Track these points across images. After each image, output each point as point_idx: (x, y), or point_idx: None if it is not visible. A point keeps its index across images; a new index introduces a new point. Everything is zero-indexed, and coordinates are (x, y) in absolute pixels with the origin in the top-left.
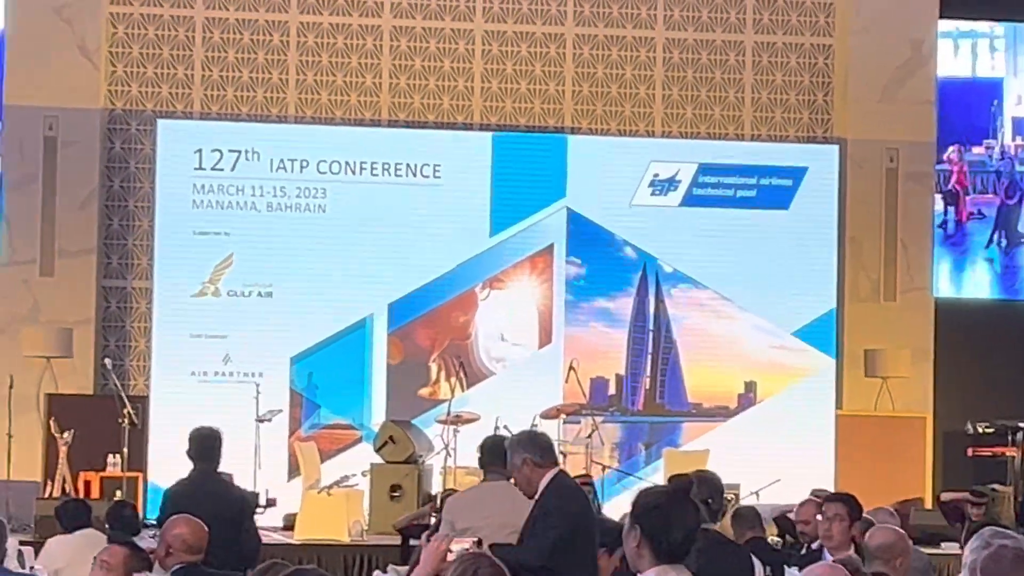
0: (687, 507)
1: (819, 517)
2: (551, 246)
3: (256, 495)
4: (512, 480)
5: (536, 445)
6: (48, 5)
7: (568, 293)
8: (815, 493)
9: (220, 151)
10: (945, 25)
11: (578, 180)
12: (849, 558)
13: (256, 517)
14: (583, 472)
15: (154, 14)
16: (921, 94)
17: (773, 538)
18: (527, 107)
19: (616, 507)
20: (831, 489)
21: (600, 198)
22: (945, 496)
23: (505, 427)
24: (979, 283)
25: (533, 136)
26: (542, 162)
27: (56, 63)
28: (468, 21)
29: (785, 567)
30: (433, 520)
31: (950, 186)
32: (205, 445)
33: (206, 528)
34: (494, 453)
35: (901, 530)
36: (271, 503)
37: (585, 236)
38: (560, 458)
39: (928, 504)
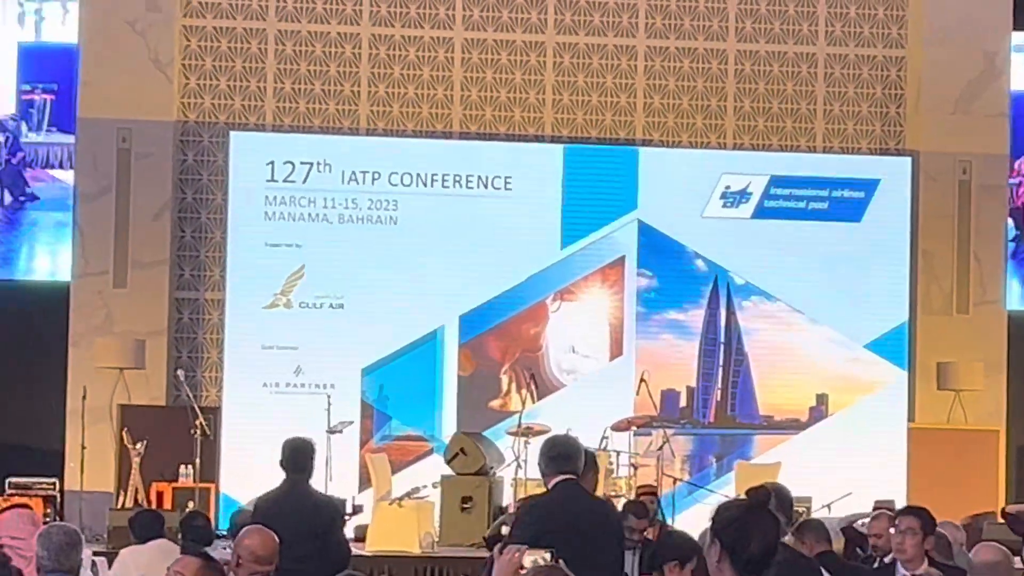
0: (766, 520)
1: (892, 531)
2: (622, 258)
3: (343, 502)
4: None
5: (542, 453)
6: (122, 18)
7: (639, 305)
8: (878, 504)
9: (292, 163)
10: (1019, 37)
11: (649, 192)
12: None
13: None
14: (648, 483)
15: (227, 26)
16: (994, 106)
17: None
18: (598, 119)
19: (687, 520)
20: (899, 502)
21: (671, 210)
22: (1010, 509)
23: None
24: None
25: (604, 148)
26: (613, 174)
27: (130, 76)
28: (539, 33)
29: None
30: (505, 530)
31: (1021, 202)
32: (298, 456)
33: (277, 539)
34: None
35: (1005, 548)
36: (357, 510)
37: (656, 248)
38: (629, 470)
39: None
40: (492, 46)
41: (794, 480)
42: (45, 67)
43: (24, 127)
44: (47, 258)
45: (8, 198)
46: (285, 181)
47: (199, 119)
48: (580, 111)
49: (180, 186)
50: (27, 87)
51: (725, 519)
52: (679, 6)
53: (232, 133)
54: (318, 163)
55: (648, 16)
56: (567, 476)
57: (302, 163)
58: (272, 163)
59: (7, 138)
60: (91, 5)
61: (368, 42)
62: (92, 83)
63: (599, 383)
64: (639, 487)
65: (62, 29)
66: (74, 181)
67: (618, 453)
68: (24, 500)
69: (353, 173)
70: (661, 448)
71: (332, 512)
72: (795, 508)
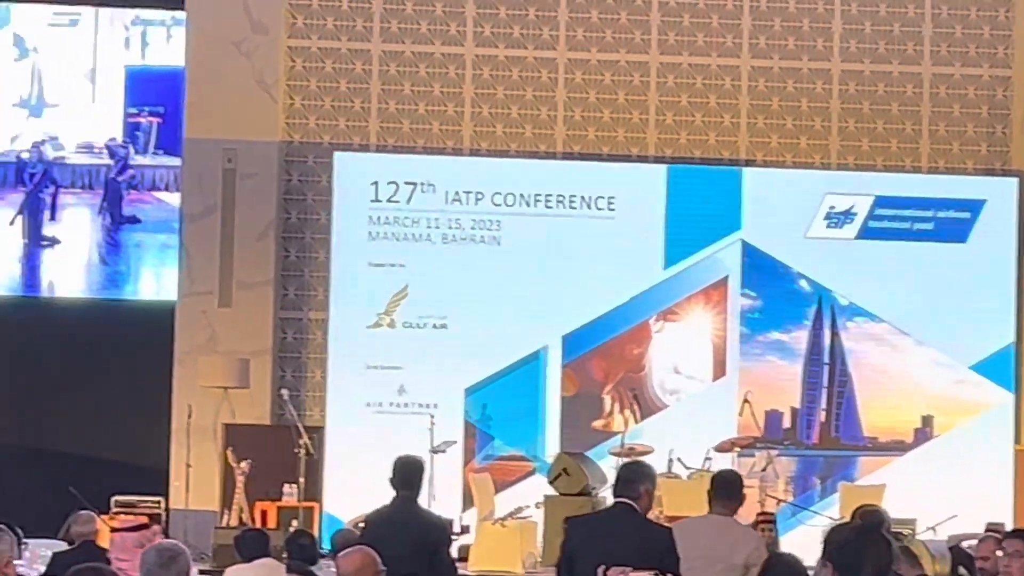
0: (879, 543)
1: (999, 553)
2: (726, 278)
3: (450, 522)
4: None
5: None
6: (228, 39)
7: (743, 326)
8: (990, 527)
9: (396, 183)
10: None
11: (753, 212)
12: None
13: None
14: (767, 511)
15: (332, 48)
16: None
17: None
18: (702, 139)
19: (790, 541)
20: (1008, 524)
21: (775, 230)
22: None
23: (679, 460)
24: None
25: (708, 168)
26: (717, 194)
27: (235, 97)
28: (644, 54)
29: None
30: None
31: None
32: (407, 473)
33: (379, 559)
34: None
35: None
36: (465, 530)
37: (760, 269)
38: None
39: None
40: (595, 66)
41: (899, 502)
42: (151, 90)
43: (131, 150)
44: (153, 279)
45: (109, 220)
46: (389, 201)
47: (304, 139)
48: (684, 131)
49: (284, 206)
50: (134, 110)
51: (837, 542)
52: (783, 26)
53: (336, 153)
54: (422, 183)
55: (752, 36)
56: (621, 500)
57: (406, 183)
58: (376, 183)
59: (115, 161)
60: (197, 27)
61: (472, 63)
62: (198, 104)
63: (702, 404)
64: (758, 515)
65: (167, 52)
66: (180, 201)
67: None
68: (135, 518)
69: (456, 193)
70: (765, 469)
71: (440, 531)
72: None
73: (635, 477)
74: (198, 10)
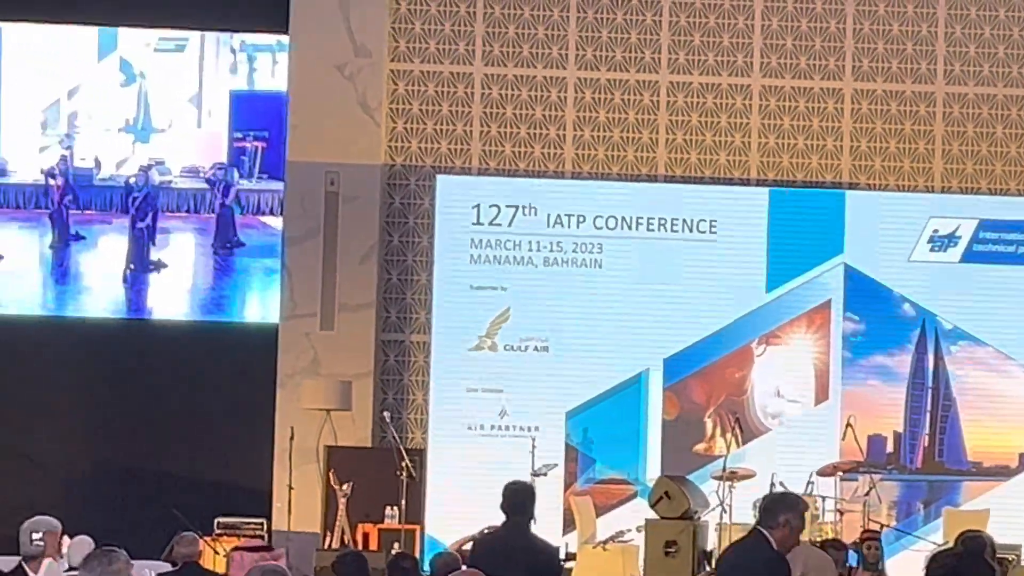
0: (982, 568)
1: None
2: (828, 302)
3: (558, 549)
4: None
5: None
6: (331, 63)
7: (845, 349)
8: None
9: (498, 206)
10: None
11: (856, 236)
12: None
13: None
14: (872, 529)
15: (434, 71)
16: None
17: None
18: (804, 162)
19: (894, 567)
20: None
21: (878, 254)
22: None
23: (781, 484)
24: None
25: (810, 192)
26: (819, 218)
27: (338, 120)
28: (746, 76)
29: None
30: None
31: None
32: (518, 499)
33: None
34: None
35: None
36: (571, 557)
37: (863, 292)
38: (835, 515)
39: None
40: (698, 89)
41: (1004, 527)
42: (256, 114)
43: (236, 174)
44: (258, 302)
45: (215, 245)
46: (491, 224)
47: (406, 162)
48: (786, 154)
49: (387, 229)
50: (239, 135)
51: (941, 567)
52: (886, 48)
53: (439, 176)
54: (523, 206)
55: (855, 59)
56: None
57: (507, 206)
58: (478, 206)
59: (220, 185)
60: (301, 51)
61: (574, 86)
62: (301, 127)
63: (804, 427)
64: (863, 532)
65: (273, 77)
66: (283, 224)
67: (824, 498)
68: (258, 540)
69: (558, 216)
70: (868, 493)
71: (552, 558)
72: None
73: (775, 507)
74: (302, 34)
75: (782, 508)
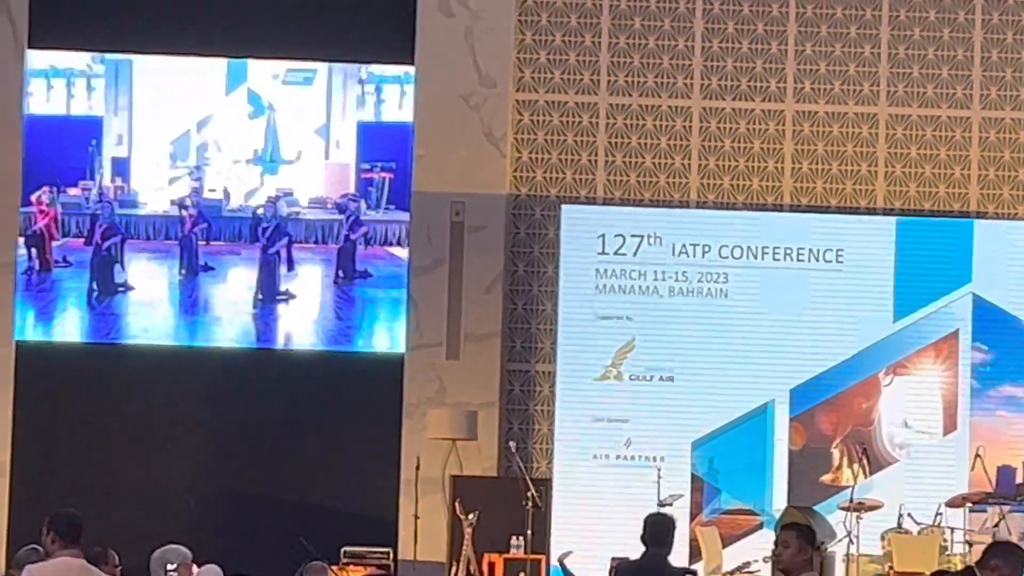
0: None
1: None
2: (956, 331)
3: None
4: None
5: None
6: (456, 93)
7: (973, 379)
8: None
9: (623, 236)
10: None
11: (984, 265)
12: None
13: None
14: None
15: (559, 101)
16: None
17: None
18: (931, 191)
19: None
20: None
21: (1007, 283)
22: None
23: (909, 515)
24: None
25: (938, 221)
26: (947, 247)
27: (463, 150)
28: (872, 105)
29: None
30: None
31: None
32: (659, 529)
33: None
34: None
35: None
36: None
37: (991, 322)
38: (964, 547)
39: None
40: (823, 119)
41: None
42: (384, 146)
43: (363, 205)
44: (384, 332)
45: (342, 276)
46: (616, 254)
47: (531, 192)
48: (913, 183)
49: (512, 259)
50: (367, 166)
51: None
52: (1014, 76)
53: (563, 206)
54: (648, 236)
55: (983, 88)
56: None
57: (632, 236)
58: (603, 236)
59: (347, 217)
60: (426, 82)
61: (699, 115)
62: (427, 158)
63: (932, 458)
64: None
65: (400, 110)
66: (408, 254)
67: (952, 530)
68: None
69: (683, 246)
70: (997, 525)
71: None
72: None
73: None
74: (428, 65)
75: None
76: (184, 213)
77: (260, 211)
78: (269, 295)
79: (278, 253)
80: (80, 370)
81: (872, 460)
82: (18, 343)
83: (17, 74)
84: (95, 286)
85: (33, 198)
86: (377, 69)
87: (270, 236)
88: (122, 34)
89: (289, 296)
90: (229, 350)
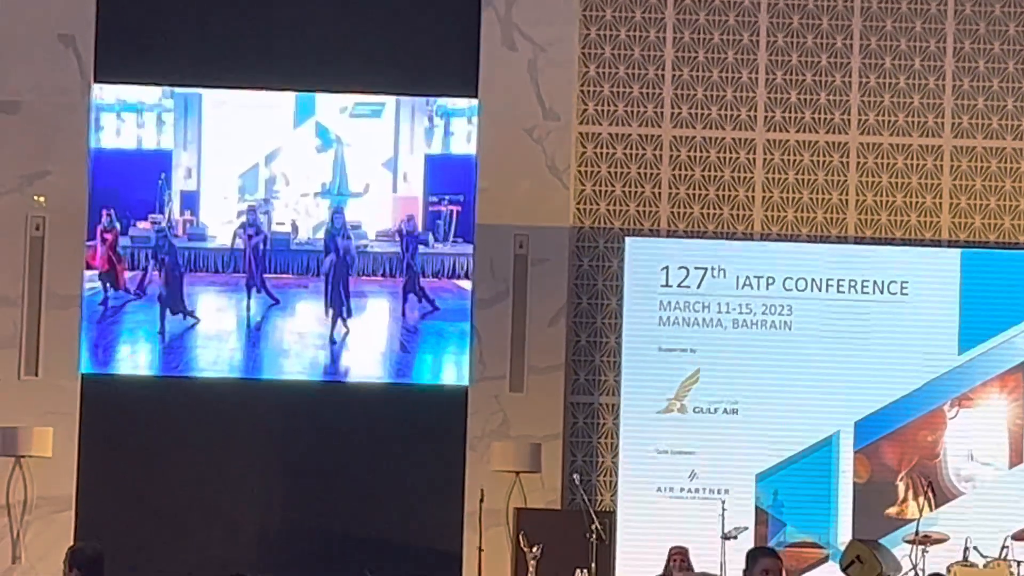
0: None
1: None
2: (1021, 364)
3: None
4: None
5: None
6: (519, 126)
7: None
8: None
9: (686, 268)
10: None
11: None
12: None
13: None
14: None
15: (622, 133)
16: None
17: None
18: (997, 223)
19: None
20: None
21: None
22: None
23: (975, 548)
24: None
25: (1003, 252)
26: (1012, 279)
27: (527, 182)
28: (936, 137)
29: None
30: None
31: None
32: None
33: None
34: None
35: None
36: None
37: None
38: None
39: None
40: (887, 150)
41: None
42: (451, 178)
43: (431, 238)
44: (452, 364)
45: (408, 307)
46: (679, 286)
47: (594, 225)
48: (978, 215)
49: (575, 291)
50: (434, 199)
51: None
52: None
53: (627, 239)
54: (712, 268)
55: None
56: None
57: (696, 268)
58: (667, 268)
59: (410, 249)
60: (490, 115)
61: (763, 147)
62: (490, 190)
63: (998, 491)
64: None
65: (468, 143)
66: (472, 287)
67: (1019, 563)
68: None
69: (747, 278)
70: None
71: None
72: None
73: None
74: (491, 97)
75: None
76: (251, 246)
77: (324, 243)
78: (337, 326)
79: (346, 286)
80: (146, 403)
81: (938, 493)
82: (85, 376)
83: (84, 108)
84: (164, 319)
85: (101, 230)
86: (445, 102)
87: (336, 269)
88: (190, 68)
89: (355, 329)
90: (296, 383)
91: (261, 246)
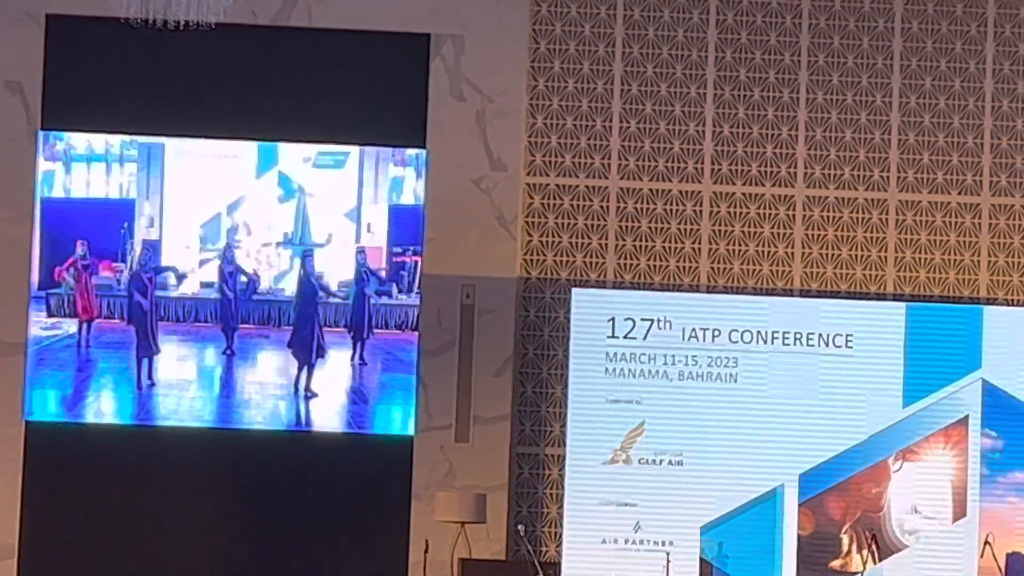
0: None
1: None
2: (966, 418)
3: None
4: None
5: None
6: (467, 177)
7: (983, 466)
8: None
9: (632, 319)
10: None
11: (994, 352)
12: None
13: None
14: None
15: (569, 184)
16: None
17: None
18: (941, 277)
19: None
20: None
21: (1017, 370)
22: None
23: None
24: None
25: (947, 307)
26: (957, 333)
27: (474, 233)
28: (882, 191)
29: None
30: None
31: None
32: None
33: None
34: None
35: None
36: None
37: (1002, 409)
38: None
39: None
40: (833, 204)
41: None
42: (415, 229)
43: (395, 289)
44: (395, 414)
45: (359, 359)
46: (625, 337)
47: (541, 275)
48: (923, 269)
49: (522, 342)
50: (398, 249)
51: None
52: None
53: (574, 290)
54: (658, 320)
55: (992, 174)
56: None
57: (642, 319)
58: (613, 319)
59: (361, 300)
60: (438, 165)
61: (709, 199)
62: (437, 241)
63: (942, 545)
64: None
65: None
66: (418, 337)
67: None
68: None
69: (693, 330)
70: None
71: None
72: None
73: None
74: (439, 147)
75: None
76: (213, 296)
77: (289, 294)
78: (295, 378)
79: (306, 337)
80: (94, 451)
81: (881, 546)
82: (30, 423)
83: (31, 155)
84: (140, 367)
85: (67, 275)
86: (411, 152)
87: (297, 320)
88: (152, 117)
89: (313, 395)
90: (253, 432)
91: (223, 295)
